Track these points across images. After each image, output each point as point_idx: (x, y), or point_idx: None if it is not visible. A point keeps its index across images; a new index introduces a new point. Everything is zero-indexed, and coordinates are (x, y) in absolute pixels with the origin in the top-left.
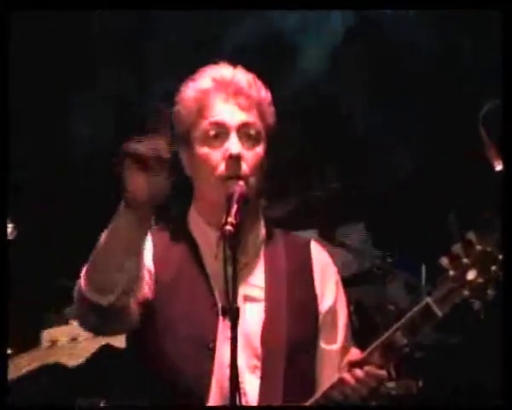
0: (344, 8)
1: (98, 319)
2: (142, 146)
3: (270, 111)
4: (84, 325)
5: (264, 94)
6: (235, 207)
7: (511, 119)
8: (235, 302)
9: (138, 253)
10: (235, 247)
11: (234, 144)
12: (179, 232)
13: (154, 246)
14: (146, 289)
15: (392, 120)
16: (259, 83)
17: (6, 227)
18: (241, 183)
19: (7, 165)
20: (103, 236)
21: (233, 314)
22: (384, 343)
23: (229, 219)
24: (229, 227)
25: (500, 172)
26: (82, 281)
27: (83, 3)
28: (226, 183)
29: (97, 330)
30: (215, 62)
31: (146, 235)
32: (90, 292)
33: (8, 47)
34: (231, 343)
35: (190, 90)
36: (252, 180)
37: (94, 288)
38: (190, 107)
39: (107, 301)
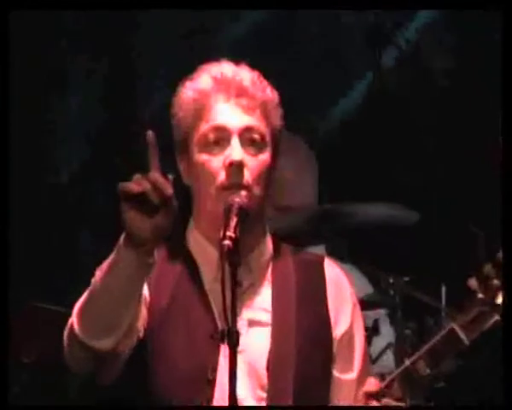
0: (341, 8)
1: (94, 366)
2: (140, 186)
3: (277, 113)
4: (78, 370)
5: (271, 94)
6: (234, 219)
7: (511, 119)
8: (235, 326)
9: (141, 291)
10: (235, 264)
11: (235, 150)
12: (177, 250)
13: None
14: (141, 329)
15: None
16: (265, 82)
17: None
18: (243, 193)
19: (6, 164)
20: (100, 274)
21: (232, 340)
22: (404, 373)
23: (228, 233)
24: (227, 242)
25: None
26: (75, 323)
27: (81, 3)
28: (227, 193)
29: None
30: (216, 59)
31: (149, 272)
32: (86, 336)
33: (7, 47)
34: (229, 373)
35: (188, 91)
36: (256, 190)
37: (91, 331)
38: (188, 109)
39: (106, 346)
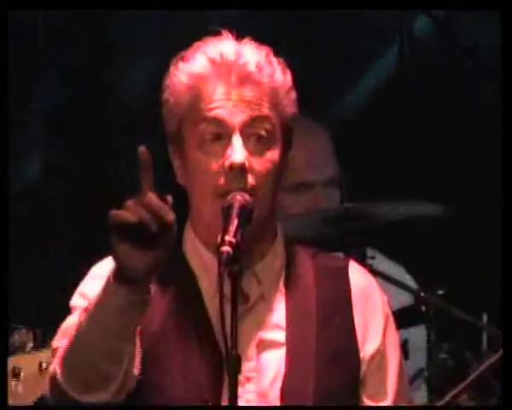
0: (337, 8)
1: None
2: (136, 214)
3: (289, 100)
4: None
5: (281, 78)
6: (234, 222)
7: (511, 119)
8: (235, 349)
9: (135, 332)
10: (234, 275)
11: (237, 150)
12: (171, 257)
13: None
14: (138, 368)
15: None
16: (275, 62)
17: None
18: (247, 197)
19: (6, 164)
20: (85, 316)
21: (232, 365)
22: (446, 407)
23: (227, 238)
24: (226, 248)
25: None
26: (59, 374)
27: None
28: (226, 199)
29: None
30: (214, 32)
31: (146, 310)
32: (74, 390)
33: (7, 47)
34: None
35: (181, 74)
36: (262, 194)
37: (79, 385)
38: (180, 97)
39: (101, 399)
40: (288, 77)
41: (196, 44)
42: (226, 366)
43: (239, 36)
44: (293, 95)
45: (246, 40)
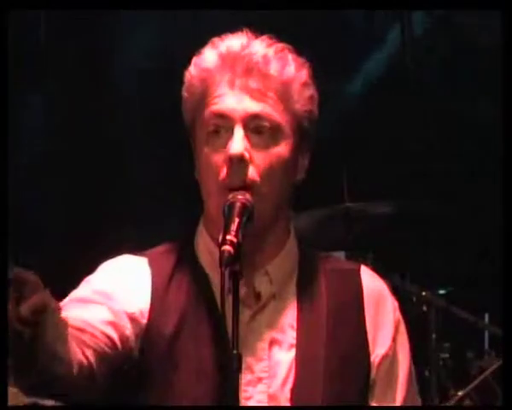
0: (339, 8)
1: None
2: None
3: (301, 96)
4: None
5: (293, 73)
6: (236, 221)
7: (511, 120)
8: (237, 348)
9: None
10: (235, 274)
11: (235, 142)
12: (186, 257)
13: (153, 281)
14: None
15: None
16: (290, 58)
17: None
18: (247, 195)
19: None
20: None
21: (234, 364)
22: (447, 407)
23: (228, 237)
24: (227, 247)
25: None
26: None
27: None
28: (229, 194)
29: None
30: (236, 30)
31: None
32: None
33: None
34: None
35: (193, 69)
36: (266, 190)
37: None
38: (192, 91)
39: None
40: (304, 73)
41: (211, 40)
42: (227, 365)
43: (259, 34)
44: (308, 92)
45: (263, 37)
